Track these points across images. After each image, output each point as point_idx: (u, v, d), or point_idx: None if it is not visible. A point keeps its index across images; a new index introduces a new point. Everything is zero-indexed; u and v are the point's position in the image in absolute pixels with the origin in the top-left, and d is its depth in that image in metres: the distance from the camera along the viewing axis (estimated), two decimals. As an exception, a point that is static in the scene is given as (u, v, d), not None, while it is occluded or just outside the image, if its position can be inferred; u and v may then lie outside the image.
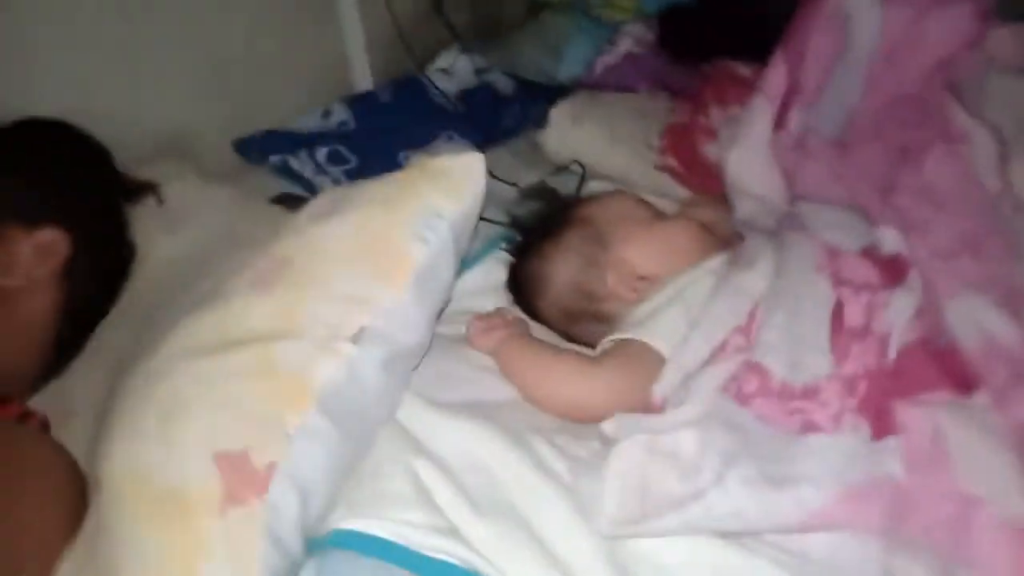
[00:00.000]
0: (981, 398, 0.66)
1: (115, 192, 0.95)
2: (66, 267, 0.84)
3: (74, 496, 0.69)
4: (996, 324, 0.67)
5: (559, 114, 1.22)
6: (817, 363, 0.69)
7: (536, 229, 0.98)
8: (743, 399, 0.70)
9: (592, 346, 0.89)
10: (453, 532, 0.68)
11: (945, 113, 0.92)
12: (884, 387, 0.68)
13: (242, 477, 0.64)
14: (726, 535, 0.66)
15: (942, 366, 0.69)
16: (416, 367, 0.82)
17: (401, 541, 0.67)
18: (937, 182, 0.86)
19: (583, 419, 0.80)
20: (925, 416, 0.66)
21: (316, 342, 0.70)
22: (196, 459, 0.64)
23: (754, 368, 0.72)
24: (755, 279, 0.79)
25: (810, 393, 0.68)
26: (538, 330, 0.96)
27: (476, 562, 0.66)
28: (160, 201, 0.97)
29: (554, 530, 0.68)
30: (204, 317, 0.71)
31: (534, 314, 0.96)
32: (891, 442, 0.66)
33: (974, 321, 0.68)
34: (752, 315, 0.77)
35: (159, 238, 0.95)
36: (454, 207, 0.78)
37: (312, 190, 1.16)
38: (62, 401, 0.84)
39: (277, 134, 1.23)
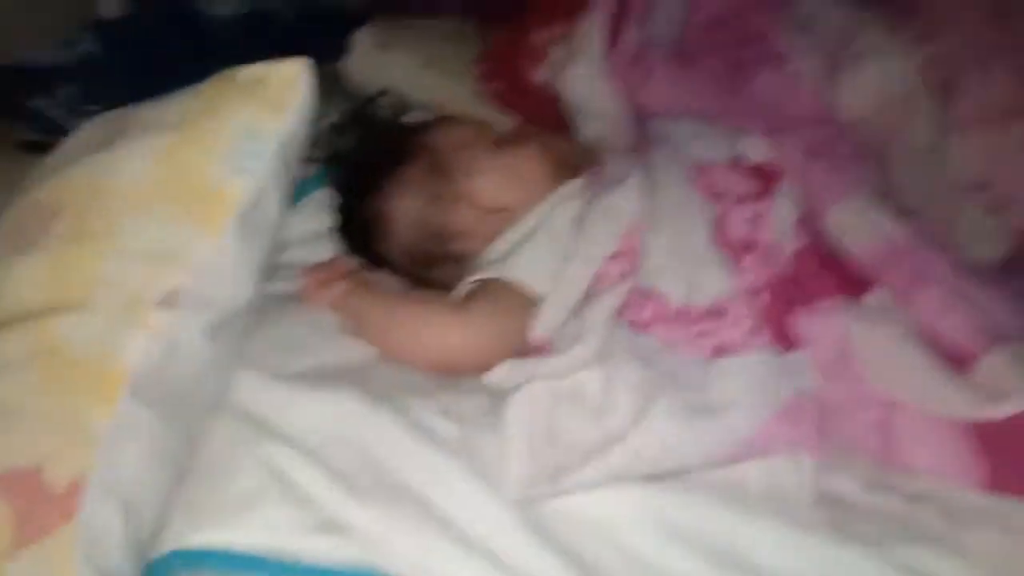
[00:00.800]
0: (876, 299, 0.65)
1: None
2: None
3: None
4: (886, 224, 0.66)
5: (363, 40, 1.08)
6: (716, 281, 0.64)
7: (365, 163, 0.84)
8: (640, 327, 0.64)
9: (448, 290, 0.79)
10: (331, 525, 0.56)
11: (769, 31, 0.91)
12: (785, 297, 0.65)
13: (36, 502, 0.48)
14: (650, 477, 0.59)
15: (834, 270, 0.67)
16: (244, 333, 0.66)
17: (266, 551, 0.54)
18: (772, 98, 0.85)
19: (455, 372, 0.70)
20: (827, 325, 0.64)
21: (114, 313, 0.54)
22: None
23: (645, 294, 0.66)
24: (626, 199, 0.72)
25: (716, 313, 0.63)
26: (380, 278, 0.83)
27: (366, 558, 0.54)
28: None
29: (454, 503, 0.58)
30: None
31: (375, 260, 0.83)
32: (800, 355, 0.63)
33: (864, 222, 0.66)
34: (629, 237, 0.70)
35: None
36: (277, 125, 0.62)
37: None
38: None
39: (7, 70, 0.98)
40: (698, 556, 0.55)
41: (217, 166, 0.60)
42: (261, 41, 1.20)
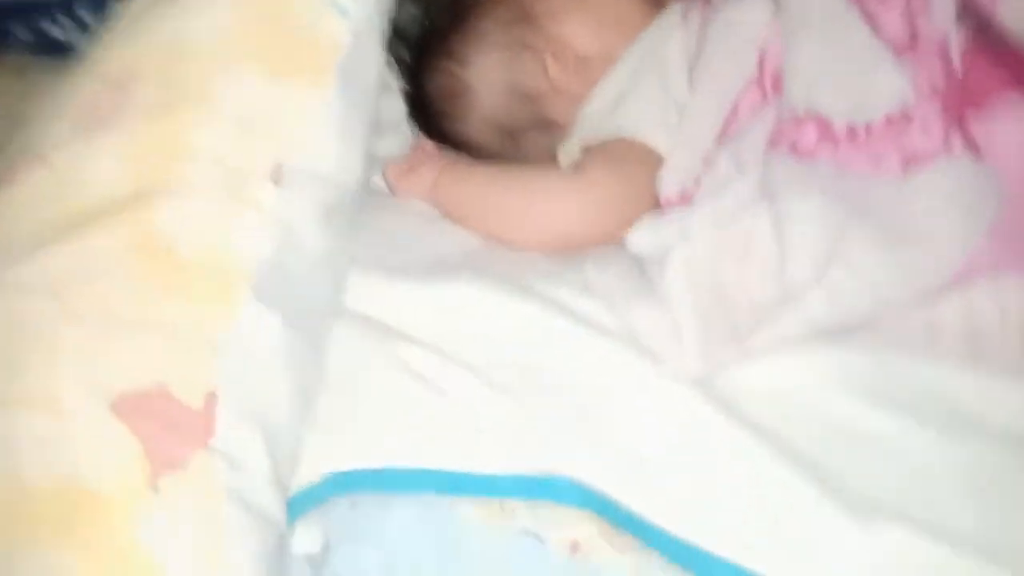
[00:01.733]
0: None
1: None
2: None
3: None
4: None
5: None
6: (889, 86, 0.54)
7: (432, 30, 0.74)
8: (805, 156, 0.55)
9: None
10: (490, 429, 0.50)
11: None
12: (959, 100, 0.55)
13: (167, 427, 0.42)
14: (842, 332, 0.51)
15: (1009, 65, 0.57)
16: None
17: (428, 463, 0.48)
18: None
19: (578, 248, 0.62)
20: (1010, 128, 0.54)
21: (215, 196, 0.46)
22: (84, 420, 0.41)
23: (800, 120, 0.56)
24: (752, 13, 0.62)
25: (897, 123, 0.53)
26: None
27: (545, 461, 0.48)
28: None
29: (627, 392, 0.51)
30: (26, 193, 0.46)
31: (456, 143, 0.74)
32: (988, 164, 0.53)
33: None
34: (762, 61, 0.61)
35: None
36: None
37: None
38: None
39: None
40: (903, 415, 0.48)
41: (312, 3, 0.51)
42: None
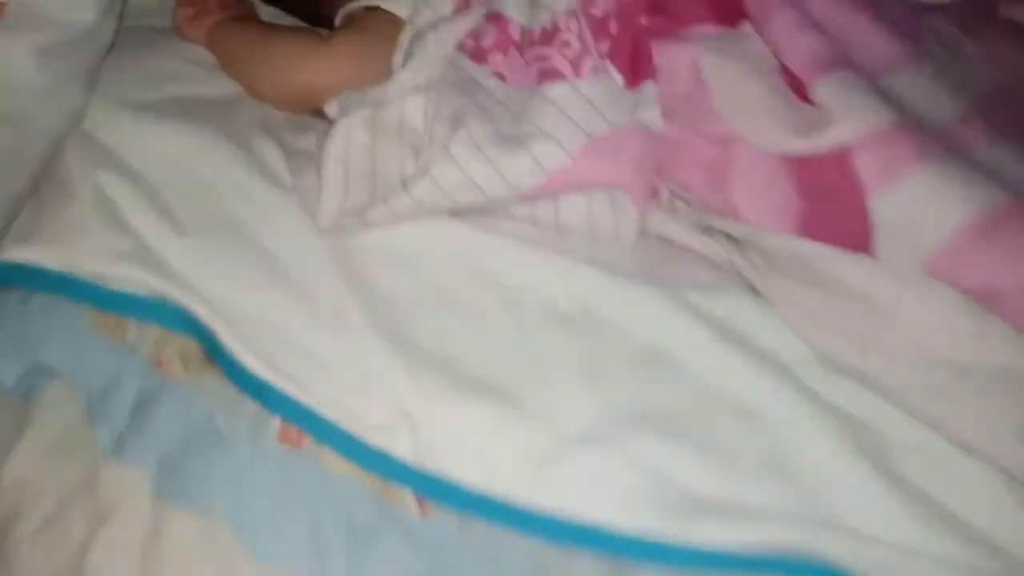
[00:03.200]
0: (749, 28, 0.58)
1: None
2: None
3: None
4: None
5: None
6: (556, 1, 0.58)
7: None
8: (480, 55, 0.60)
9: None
10: (143, 256, 0.58)
11: None
12: (640, 25, 0.58)
13: None
14: (466, 217, 0.58)
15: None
16: (99, 61, 0.65)
17: (71, 269, 0.56)
18: None
19: (315, 110, 0.68)
20: (684, 52, 0.58)
21: None
22: None
23: (493, 19, 0.61)
24: None
25: (548, 36, 0.58)
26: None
27: (167, 288, 0.56)
28: None
29: (272, 238, 0.59)
30: None
31: None
32: (648, 88, 0.58)
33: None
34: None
35: None
36: None
37: None
38: None
39: None
40: (493, 294, 0.55)
41: None
42: None
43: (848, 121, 0.50)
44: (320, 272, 0.57)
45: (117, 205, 0.60)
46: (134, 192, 0.60)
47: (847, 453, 0.50)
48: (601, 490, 0.49)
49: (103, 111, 0.64)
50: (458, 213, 0.58)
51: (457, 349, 0.54)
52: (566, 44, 0.57)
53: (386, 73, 0.66)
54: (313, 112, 0.68)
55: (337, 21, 0.73)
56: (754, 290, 0.55)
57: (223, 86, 0.70)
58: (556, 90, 0.56)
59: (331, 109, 0.62)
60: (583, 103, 0.55)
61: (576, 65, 0.56)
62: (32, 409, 0.54)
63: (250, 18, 0.75)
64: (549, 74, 0.56)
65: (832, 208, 0.51)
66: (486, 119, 0.55)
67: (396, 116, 0.58)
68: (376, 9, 0.69)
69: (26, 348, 0.54)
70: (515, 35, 0.59)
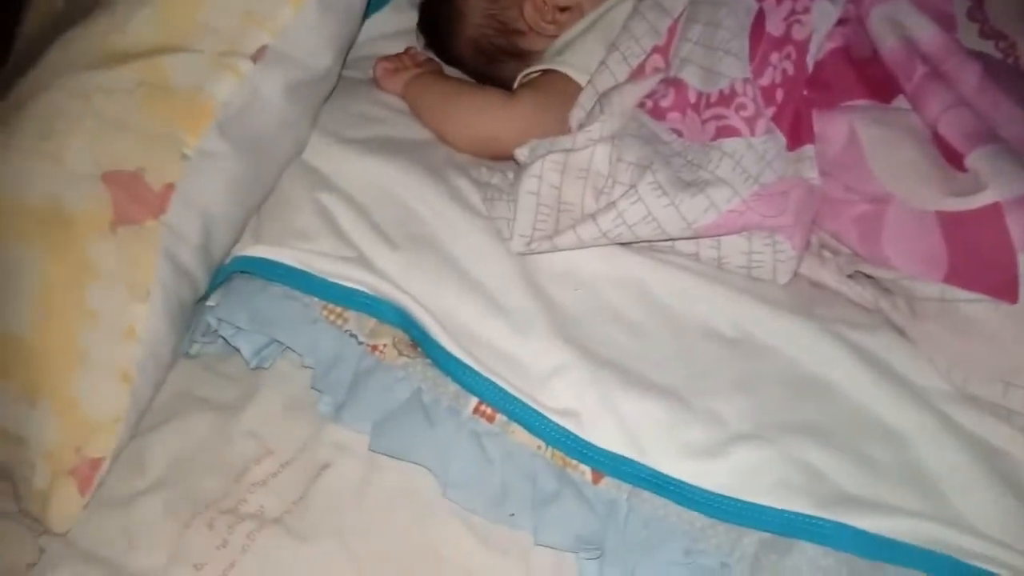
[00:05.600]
0: (900, 103, 0.68)
1: None
2: None
3: None
4: (916, 25, 0.69)
5: None
6: (731, 68, 0.70)
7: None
8: (659, 113, 0.71)
9: (509, 87, 0.89)
10: (361, 261, 0.70)
11: None
12: (802, 95, 0.70)
13: (135, 197, 0.64)
14: (640, 248, 0.69)
15: (862, 73, 0.71)
16: (324, 101, 0.80)
17: (307, 268, 0.69)
18: None
19: (497, 155, 0.81)
20: (841, 120, 0.69)
21: (212, 56, 0.67)
22: (82, 177, 0.63)
23: (671, 83, 0.73)
24: None
25: (725, 99, 0.69)
26: (455, 75, 0.94)
27: (385, 288, 0.68)
28: None
29: (469, 256, 0.70)
30: (87, 28, 0.67)
31: (448, 56, 0.94)
32: (807, 150, 0.68)
33: (895, 23, 0.69)
34: (671, 32, 0.76)
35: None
36: None
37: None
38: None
39: None
40: (660, 315, 0.66)
41: None
42: None
43: (1000, 185, 0.60)
44: (510, 286, 0.68)
45: (336, 219, 0.72)
46: (349, 210, 0.73)
47: (983, 474, 0.58)
48: (758, 478, 0.58)
49: (320, 143, 0.78)
50: (630, 245, 0.70)
51: (628, 357, 0.65)
52: (742, 107, 0.68)
53: (562, 128, 0.79)
54: (492, 156, 0.82)
55: (518, 81, 0.86)
56: (900, 330, 0.64)
57: (418, 131, 0.84)
58: (732, 144, 0.67)
59: (521, 153, 0.74)
60: (755, 156, 0.66)
61: (751, 124, 0.68)
62: (266, 377, 0.66)
63: (440, 74, 0.90)
64: (726, 131, 0.68)
65: (979, 260, 0.61)
66: (667, 166, 0.67)
67: (584, 161, 0.70)
68: (553, 72, 0.83)
69: (264, 328, 0.66)
70: (692, 98, 0.71)
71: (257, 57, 0.68)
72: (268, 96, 0.70)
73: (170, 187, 0.65)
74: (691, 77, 0.72)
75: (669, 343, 0.66)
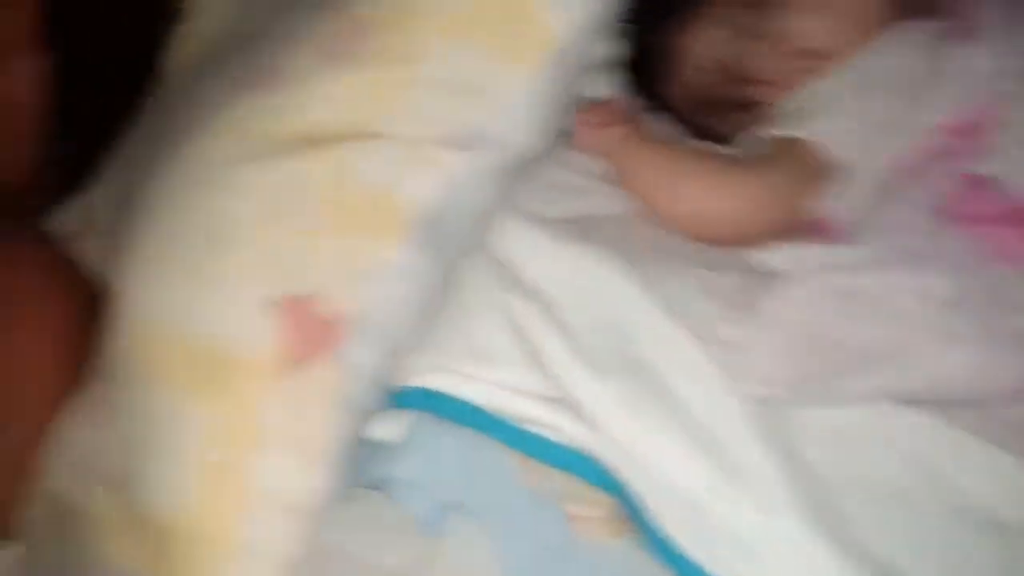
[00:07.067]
0: None
1: None
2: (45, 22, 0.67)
3: (82, 321, 0.58)
4: None
5: None
6: None
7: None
8: (967, 223, 0.54)
9: (725, 141, 0.74)
10: (560, 399, 0.57)
11: None
12: None
13: (307, 330, 0.52)
14: (921, 404, 0.53)
15: None
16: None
17: (498, 411, 0.57)
18: None
19: (725, 241, 0.66)
20: None
21: (411, 145, 0.54)
22: (246, 305, 0.52)
23: (983, 183, 0.55)
24: (980, 56, 0.60)
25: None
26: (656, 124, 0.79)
27: (590, 440, 0.55)
28: None
29: (692, 394, 0.56)
30: (257, 102, 0.56)
31: (655, 102, 0.78)
32: None
33: None
34: (977, 109, 0.59)
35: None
36: None
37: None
38: (86, 216, 0.72)
39: None
40: (939, 495, 0.51)
41: None
42: None
43: None
44: (746, 443, 0.53)
45: (529, 335, 0.59)
46: (543, 319, 0.59)
47: None
48: None
49: (506, 225, 0.64)
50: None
51: (897, 550, 0.50)
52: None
53: (802, 212, 0.63)
54: (715, 240, 0.66)
55: (750, 144, 0.70)
56: None
57: (622, 203, 0.69)
58: None
59: (778, 260, 0.59)
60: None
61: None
62: (442, 545, 0.54)
63: (651, 133, 0.74)
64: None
65: None
66: (994, 309, 0.50)
67: (876, 290, 0.54)
68: (799, 140, 0.66)
69: (442, 484, 0.54)
70: (1018, 207, 0.53)
71: (465, 141, 0.55)
72: (472, 190, 0.57)
73: (347, 316, 0.53)
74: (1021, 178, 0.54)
75: (933, 524, 0.51)
